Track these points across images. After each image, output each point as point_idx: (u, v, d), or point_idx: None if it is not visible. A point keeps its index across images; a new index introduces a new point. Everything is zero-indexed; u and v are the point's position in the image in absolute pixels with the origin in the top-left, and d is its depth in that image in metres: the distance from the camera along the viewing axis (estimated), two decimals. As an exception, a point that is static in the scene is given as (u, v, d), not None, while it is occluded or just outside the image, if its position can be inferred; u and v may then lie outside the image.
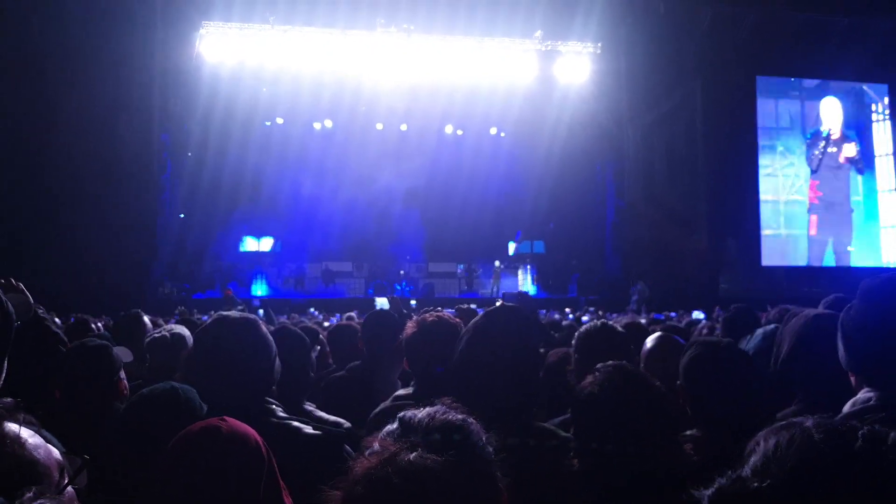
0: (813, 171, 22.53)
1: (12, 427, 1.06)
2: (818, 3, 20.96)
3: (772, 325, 2.92)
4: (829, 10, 20.99)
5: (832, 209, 22.64)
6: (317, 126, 22.10)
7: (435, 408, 1.23)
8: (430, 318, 2.86)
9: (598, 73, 21.36)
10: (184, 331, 3.71)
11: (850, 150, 22.88)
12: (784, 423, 1.09)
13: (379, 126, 22.32)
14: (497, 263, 22.22)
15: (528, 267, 23.16)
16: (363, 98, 21.09)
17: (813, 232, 22.48)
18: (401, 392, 2.73)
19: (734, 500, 0.98)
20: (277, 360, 2.31)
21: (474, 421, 1.23)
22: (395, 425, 1.20)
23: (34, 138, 17.07)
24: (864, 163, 22.94)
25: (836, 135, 22.82)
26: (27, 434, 1.07)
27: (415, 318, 3.08)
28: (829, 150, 22.68)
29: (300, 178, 21.97)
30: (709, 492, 1.00)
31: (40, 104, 17.07)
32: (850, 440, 1.00)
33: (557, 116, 21.57)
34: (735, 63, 21.25)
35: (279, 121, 21.64)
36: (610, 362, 1.99)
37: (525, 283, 22.64)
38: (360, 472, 1.06)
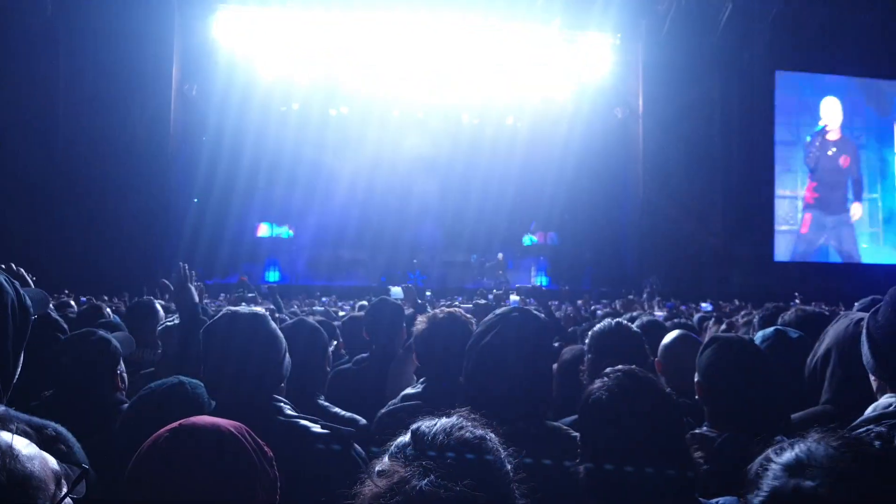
0: (810, 171, 22.21)
1: (4, 437, 0.98)
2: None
3: (771, 329, 2.87)
4: (852, 5, 20.68)
5: (829, 209, 22.26)
6: (332, 112, 22.00)
7: (451, 421, 1.14)
8: (441, 315, 2.80)
9: (617, 64, 21.19)
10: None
11: (849, 154, 22.49)
12: (784, 443, 1.12)
13: (395, 113, 22.21)
14: (500, 255, 22.03)
15: (541, 258, 23.06)
16: (380, 85, 21.04)
17: (804, 230, 22.16)
18: (409, 390, 2.68)
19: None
20: (287, 357, 2.28)
21: (493, 437, 1.14)
22: (406, 438, 1.13)
23: (48, 120, 17.12)
24: (859, 175, 22.54)
25: (833, 135, 22.47)
26: (21, 444, 0.98)
27: (428, 312, 3.03)
28: (827, 152, 22.34)
29: (316, 164, 21.91)
30: (759, 498, 1.04)
31: (53, 85, 17.10)
32: (867, 443, 1.11)
33: (575, 108, 21.42)
34: (755, 57, 21.01)
35: (295, 106, 21.55)
36: (619, 367, 1.91)
37: (538, 274, 22.55)
38: (367, 497, 0.99)
